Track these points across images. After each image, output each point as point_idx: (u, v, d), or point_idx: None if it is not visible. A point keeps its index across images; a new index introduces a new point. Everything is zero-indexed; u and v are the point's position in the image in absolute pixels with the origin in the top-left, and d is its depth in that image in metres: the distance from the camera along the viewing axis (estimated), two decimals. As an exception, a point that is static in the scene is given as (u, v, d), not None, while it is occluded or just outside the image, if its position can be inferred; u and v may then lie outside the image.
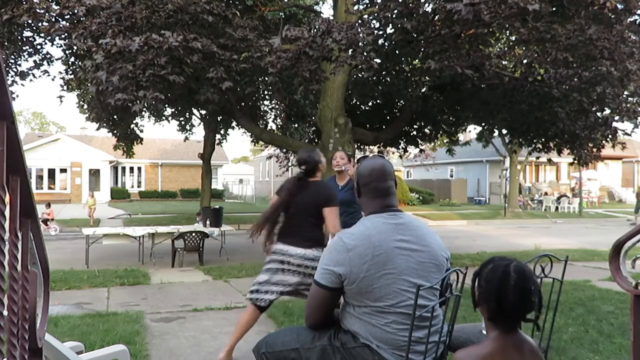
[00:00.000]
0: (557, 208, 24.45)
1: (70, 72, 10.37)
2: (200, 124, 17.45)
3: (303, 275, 3.38)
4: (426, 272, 1.91)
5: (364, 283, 1.84)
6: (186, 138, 18.21)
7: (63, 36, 7.45)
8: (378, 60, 7.17)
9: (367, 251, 1.85)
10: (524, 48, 8.83)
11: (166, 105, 12.33)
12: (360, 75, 8.30)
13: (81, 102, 13.69)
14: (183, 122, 17.25)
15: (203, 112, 15.26)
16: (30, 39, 10.15)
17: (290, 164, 18.02)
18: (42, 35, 8.98)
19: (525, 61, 8.63)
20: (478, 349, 1.60)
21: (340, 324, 2.00)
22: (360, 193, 2.07)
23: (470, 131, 23.92)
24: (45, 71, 10.87)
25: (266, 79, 8.25)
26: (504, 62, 9.33)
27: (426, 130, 11.69)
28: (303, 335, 2.03)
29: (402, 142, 11.89)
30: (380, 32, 7.27)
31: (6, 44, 9.31)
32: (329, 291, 1.90)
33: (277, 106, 14.90)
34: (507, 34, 9.15)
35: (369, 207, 2.02)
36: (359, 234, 1.92)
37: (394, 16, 6.57)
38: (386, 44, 7.46)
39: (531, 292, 1.54)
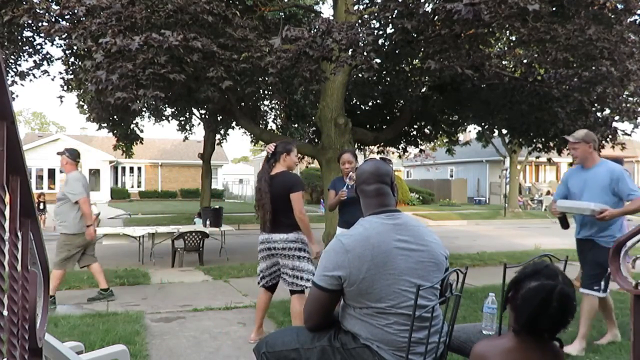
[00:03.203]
0: (557, 208, 24.41)
1: (70, 72, 10.35)
2: (200, 124, 17.46)
3: (286, 257, 3.82)
4: (426, 272, 1.91)
5: (363, 284, 1.84)
6: (186, 138, 18.21)
7: (63, 36, 7.43)
8: (378, 60, 7.16)
9: (366, 252, 1.85)
10: (524, 48, 8.82)
11: (166, 105, 12.31)
12: (360, 75, 8.29)
13: (81, 102, 13.67)
14: (183, 122, 17.25)
15: (203, 112, 15.25)
16: (30, 39, 10.15)
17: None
18: (42, 35, 8.96)
19: (525, 61, 8.62)
20: (501, 343, 1.58)
21: (340, 324, 2.00)
22: (358, 195, 2.12)
23: (470, 131, 23.91)
24: (45, 71, 10.86)
25: (266, 79, 8.22)
26: (504, 62, 9.32)
27: (426, 130, 11.67)
28: (303, 335, 2.03)
29: (402, 142, 11.88)
30: (380, 32, 7.27)
31: (6, 44, 9.31)
32: (328, 293, 1.90)
33: (277, 106, 14.88)
34: (507, 34, 9.14)
35: (366, 209, 2.05)
36: (357, 236, 1.91)
37: (394, 16, 6.56)
38: (386, 44, 7.45)
39: (567, 322, 1.45)
